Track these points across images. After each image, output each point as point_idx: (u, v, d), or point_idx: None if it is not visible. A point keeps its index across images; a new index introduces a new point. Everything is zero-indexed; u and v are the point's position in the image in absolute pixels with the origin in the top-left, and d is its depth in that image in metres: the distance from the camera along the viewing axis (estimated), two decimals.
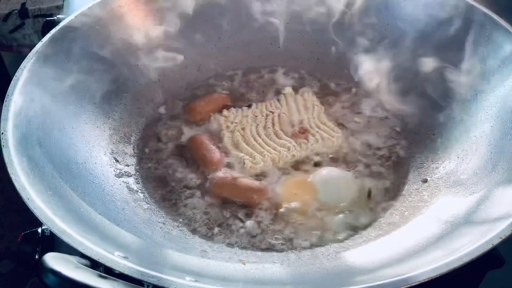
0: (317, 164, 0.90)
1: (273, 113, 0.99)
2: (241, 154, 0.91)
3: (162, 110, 1.02)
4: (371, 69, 0.99)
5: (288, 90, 1.05)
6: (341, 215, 0.81)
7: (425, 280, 0.53)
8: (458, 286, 0.76)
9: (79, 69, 0.88)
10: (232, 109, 1.00)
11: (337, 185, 0.86)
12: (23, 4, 1.53)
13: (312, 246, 0.77)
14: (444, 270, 0.54)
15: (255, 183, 0.85)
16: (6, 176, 0.63)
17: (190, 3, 1.06)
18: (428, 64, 0.94)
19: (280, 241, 0.77)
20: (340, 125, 0.97)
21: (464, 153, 0.82)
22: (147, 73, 1.02)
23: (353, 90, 1.05)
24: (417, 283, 0.53)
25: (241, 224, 0.80)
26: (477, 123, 0.83)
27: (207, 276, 0.64)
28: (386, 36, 1.01)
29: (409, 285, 0.52)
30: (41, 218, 0.59)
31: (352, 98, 1.04)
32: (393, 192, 0.85)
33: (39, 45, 0.84)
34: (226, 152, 0.92)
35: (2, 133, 0.69)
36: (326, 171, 0.88)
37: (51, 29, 0.88)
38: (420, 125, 0.93)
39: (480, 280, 0.78)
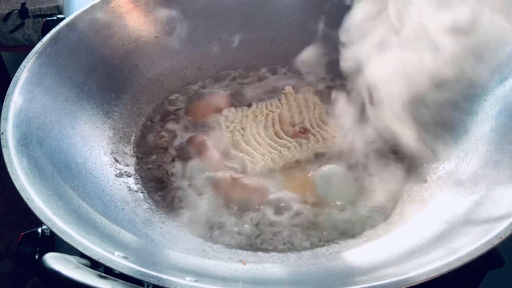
0: (318, 161, 0.90)
1: (273, 112, 0.99)
2: (241, 154, 0.91)
3: (162, 110, 1.02)
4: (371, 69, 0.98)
5: (289, 89, 1.05)
6: (340, 216, 0.81)
7: (425, 280, 0.53)
8: (458, 286, 0.76)
9: (79, 69, 0.88)
10: (232, 109, 1.00)
11: (337, 182, 0.86)
12: (23, 4, 1.53)
13: (312, 246, 0.77)
14: (444, 270, 0.54)
15: (254, 184, 0.85)
16: (6, 176, 0.63)
17: (190, 3, 1.06)
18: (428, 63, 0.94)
19: (280, 241, 0.77)
20: (341, 125, 0.97)
21: (464, 153, 0.82)
22: (147, 73, 1.02)
23: (354, 90, 1.05)
24: (417, 283, 0.52)
25: (241, 225, 0.80)
26: (477, 123, 0.83)
27: (207, 276, 0.64)
28: (385, 36, 1.01)
29: (409, 285, 0.52)
30: (41, 218, 0.59)
31: (352, 98, 1.03)
32: (393, 192, 0.85)
33: (39, 45, 0.84)
34: (225, 152, 0.92)
35: (2, 133, 0.69)
36: (328, 168, 0.88)
37: (51, 29, 0.88)
38: (420, 125, 0.93)
39: (480, 280, 0.78)
